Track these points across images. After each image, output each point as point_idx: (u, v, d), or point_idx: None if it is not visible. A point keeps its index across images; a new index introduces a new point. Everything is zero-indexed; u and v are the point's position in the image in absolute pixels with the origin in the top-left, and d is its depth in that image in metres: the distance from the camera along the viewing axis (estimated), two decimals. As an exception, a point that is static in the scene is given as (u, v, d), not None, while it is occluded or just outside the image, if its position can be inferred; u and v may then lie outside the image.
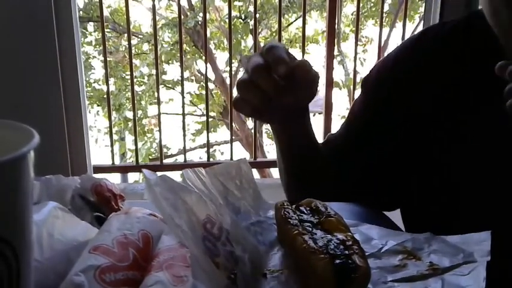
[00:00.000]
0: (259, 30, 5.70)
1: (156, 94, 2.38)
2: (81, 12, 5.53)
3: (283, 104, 0.63)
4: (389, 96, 0.74)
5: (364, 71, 5.76)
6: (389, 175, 0.75)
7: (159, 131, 2.41)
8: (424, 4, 1.95)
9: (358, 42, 2.68)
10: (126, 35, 2.66)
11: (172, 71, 5.77)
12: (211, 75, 5.57)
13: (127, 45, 2.27)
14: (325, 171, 0.77)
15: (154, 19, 2.24)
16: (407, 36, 2.31)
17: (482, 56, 0.66)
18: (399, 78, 0.73)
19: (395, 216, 0.76)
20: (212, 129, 5.86)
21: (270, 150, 6.02)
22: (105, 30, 2.44)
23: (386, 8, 5.42)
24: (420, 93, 0.71)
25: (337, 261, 0.42)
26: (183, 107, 2.44)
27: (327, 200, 0.54)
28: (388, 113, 0.74)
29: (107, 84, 2.32)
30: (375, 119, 0.75)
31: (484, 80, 0.65)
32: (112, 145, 2.30)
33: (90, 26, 5.78)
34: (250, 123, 5.68)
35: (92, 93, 5.72)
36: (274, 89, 0.60)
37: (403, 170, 0.74)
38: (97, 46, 5.63)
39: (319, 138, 0.79)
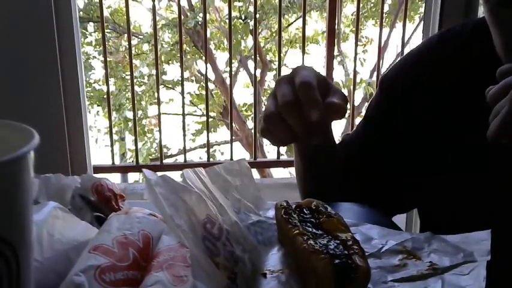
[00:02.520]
0: (259, 31, 5.70)
1: (156, 94, 2.38)
2: (81, 12, 5.53)
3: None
4: (404, 99, 0.73)
5: (364, 71, 5.77)
6: (401, 176, 0.75)
7: (159, 131, 2.41)
8: (424, 4, 1.95)
9: (358, 43, 2.68)
10: (126, 35, 2.66)
11: (172, 71, 5.78)
12: (211, 75, 5.57)
13: (127, 46, 2.27)
14: (343, 176, 0.77)
15: (154, 19, 2.24)
16: (407, 36, 2.32)
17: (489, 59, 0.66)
18: (416, 81, 0.73)
19: (397, 216, 0.76)
20: (212, 130, 5.86)
21: (270, 150, 6.02)
22: (105, 30, 2.44)
23: (386, 8, 5.42)
24: (433, 96, 0.70)
25: (337, 261, 0.42)
26: (183, 107, 2.44)
27: (342, 201, 0.55)
28: (401, 115, 0.74)
29: (107, 85, 2.32)
30: (388, 122, 0.75)
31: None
32: (112, 145, 2.30)
33: (90, 27, 5.79)
34: (250, 123, 5.69)
35: (92, 94, 5.72)
36: (303, 130, 0.57)
37: (415, 171, 0.73)
38: (97, 46, 5.63)
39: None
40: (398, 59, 0.80)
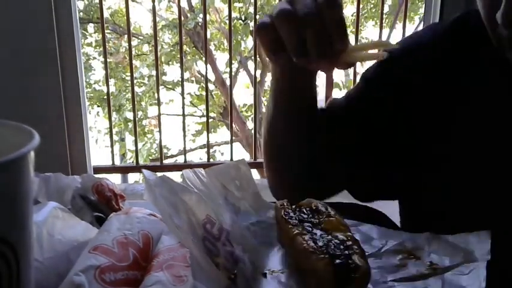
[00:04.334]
0: (259, 31, 5.69)
1: (156, 95, 2.38)
2: (81, 13, 5.54)
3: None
4: (391, 87, 0.72)
5: (364, 72, 5.76)
6: (380, 162, 0.73)
7: (159, 131, 2.41)
8: (424, 5, 1.95)
9: (358, 43, 2.68)
10: (126, 36, 2.66)
11: (172, 72, 5.78)
12: (211, 76, 5.57)
13: (127, 46, 2.28)
14: (317, 138, 0.72)
15: (154, 20, 2.24)
16: (407, 37, 2.30)
17: (476, 51, 0.66)
18: (405, 70, 0.72)
19: (396, 216, 0.76)
20: (212, 130, 5.86)
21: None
22: (105, 31, 2.44)
23: (386, 9, 5.42)
24: (420, 86, 0.70)
25: (337, 261, 0.42)
26: (183, 107, 2.45)
27: (323, 192, 0.54)
28: (387, 101, 0.72)
29: (107, 85, 2.32)
30: (372, 101, 0.73)
31: (478, 74, 0.65)
32: (112, 146, 2.30)
33: (91, 27, 5.79)
34: (250, 124, 5.68)
35: (92, 94, 5.72)
36: (323, 52, 0.51)
37: (396, 160, 0.72)
38: (97, 47, 5.64)
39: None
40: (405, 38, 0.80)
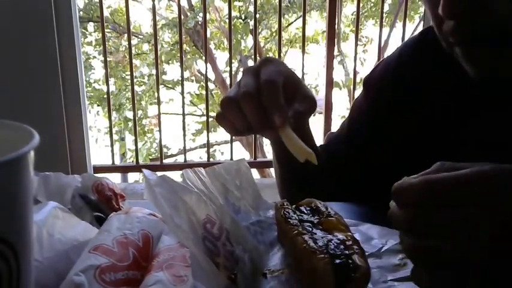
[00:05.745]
0: (259, 30, 5.70)
1: (156, 94, 2.38)
2: (81, 12, 5.53)
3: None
4: (392, 98, 0.73)
5: (364, 71, 5.76)
6: (390, 177, 0.74)
7: (159, 131, 2.41)
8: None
9: (358, 42, 2.68)
10: (126, 35, 2.66)
11: (172, 71, 5.77)
12: (211, 75, 5.57)
13: (127, 45, 2.28)
14: (323, 175, 0.76)
15: (154, 19, 2.24)
16: (407, 36, 2.31)
17: (435, 62, 0.67)
18: (402, 79, 0.73)
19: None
20: (212, 129, 5.85)
21: (270, 150, 6.01)
22: (105, 30, 2.44)
23: (386, 8, 5.42)
24: (422, 94, 0.70)
25: (337, 261, 0.42)
26: (183, 107, 2.44)
27: (327, 200, 0.54)
28: (390, 114, 0.73)
29: (107, 84, 2.32)
30: (376, 121, 0.75)
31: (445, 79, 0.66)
32: (112, 145, 2.30)
33: (90, 26, 5.79)
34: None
35: (92, 93, 5.72)
36: (259, 123, 0.56)
37: (404, 171, 0.73)
38: (97, 46, 5.63)
39: (319, 137, 0.78)
40: (382, 58, 0.81)
